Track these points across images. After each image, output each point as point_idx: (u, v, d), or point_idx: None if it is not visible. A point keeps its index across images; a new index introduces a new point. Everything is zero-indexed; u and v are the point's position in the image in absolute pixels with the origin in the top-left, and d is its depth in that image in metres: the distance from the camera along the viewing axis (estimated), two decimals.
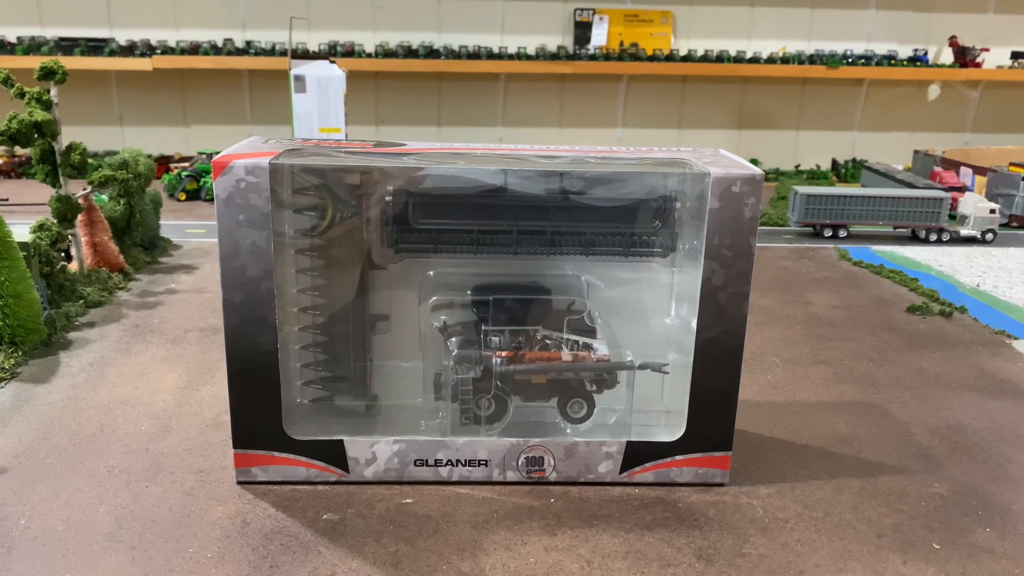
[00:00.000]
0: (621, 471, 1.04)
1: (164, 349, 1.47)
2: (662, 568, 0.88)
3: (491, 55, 3.61)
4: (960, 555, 0.92)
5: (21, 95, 1.67)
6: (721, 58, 3.72)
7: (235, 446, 1.01)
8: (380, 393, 1.14)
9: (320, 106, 2.50)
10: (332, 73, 2.49)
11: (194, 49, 3.46)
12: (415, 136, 3.74)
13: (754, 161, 3.75)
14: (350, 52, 3.52)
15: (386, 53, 3.56)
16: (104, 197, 2.02)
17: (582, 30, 3.72)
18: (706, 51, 3.74)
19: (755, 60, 3.73)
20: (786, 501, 1.02)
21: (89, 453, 1.09)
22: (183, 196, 2.93)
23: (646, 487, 1.04)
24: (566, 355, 1.06)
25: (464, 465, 1.03)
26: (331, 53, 3.49)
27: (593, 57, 3.65)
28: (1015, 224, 2.78)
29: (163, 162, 3.30)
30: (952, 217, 2.67)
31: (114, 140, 3.64)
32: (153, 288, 1.84)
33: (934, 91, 3.98)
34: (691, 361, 1.00)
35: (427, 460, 1.02)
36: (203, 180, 2.95)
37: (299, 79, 2.47)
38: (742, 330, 0.99)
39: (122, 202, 1.95)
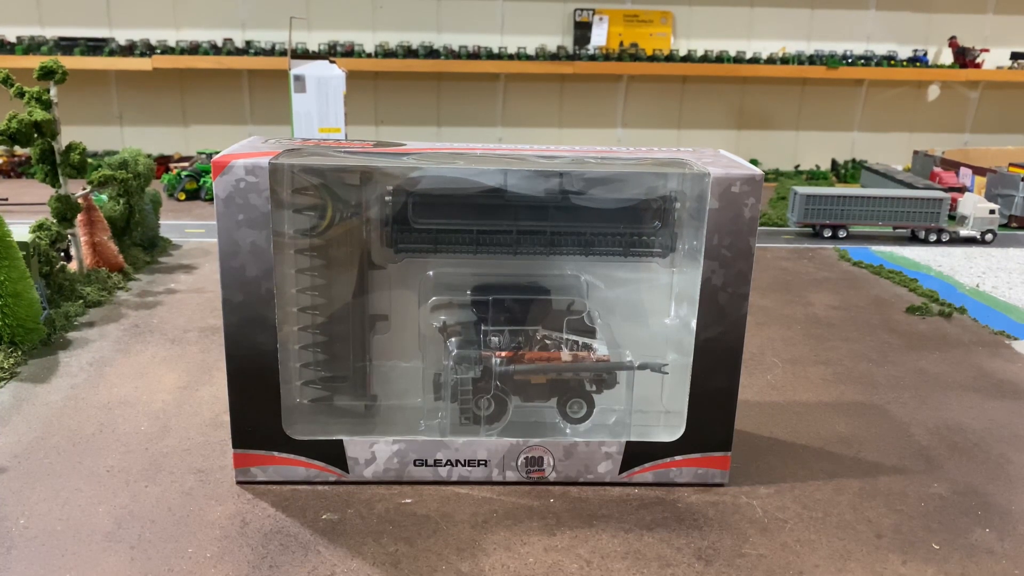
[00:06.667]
0: (620, 471, 1.04)
1: (163, 349, 1.47)
2: (661, 568, 0.88)
3: (491, 55, 3.61)
4: (959, 555, 0.92)
5: (21, 95, 1.67)
6: (721, 58, 3.72)
7: (234, 446, 1.01)
8: (379, 393, 1.13)
9: (320, 106, 2.50)
10: (332, 73, 2.49)
11: (194, 49, 3.46)
12: (415, 136, 3.74)
13: (754, 161, 3.75)
14: (350, 52, 3.52)
15: (386, 53, 3.56)
16: (104, 197, 2.02)
17: (582, 30, 3.72)
18: (706, 51, 3.74)
19: (755, 60, 3.73)
20: (785, 501, 1.02)
21: (88, 453, 1.09)
22: (182, 196, 2.93)
23: (645, 487, 1.04)
24: (566, 355, 1.06)
25: (463, 465, 1.03)
26: (331, 53, 3.49)
27: (593, 57, 3.65)
28: (1015, 225, 2.78)
29: (163, 162, 3.30)
30: (952, 218, 2.67)
31: (114, 140, 3.64)
32: (152, 288, 1.84)
33: (934, 91, 3.98)
34: (691, 361, 1.00)
35: (426, 460, 1.02)
36: (203, 180, 2.95)
37: (299, 79, 2.47)
38: (742, 330, 0.99)
39: (121, 202, 1.95)
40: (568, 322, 1.08)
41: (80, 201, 1.77)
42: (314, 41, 3.60)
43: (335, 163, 1.02)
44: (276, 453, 1.01)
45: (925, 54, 3.86)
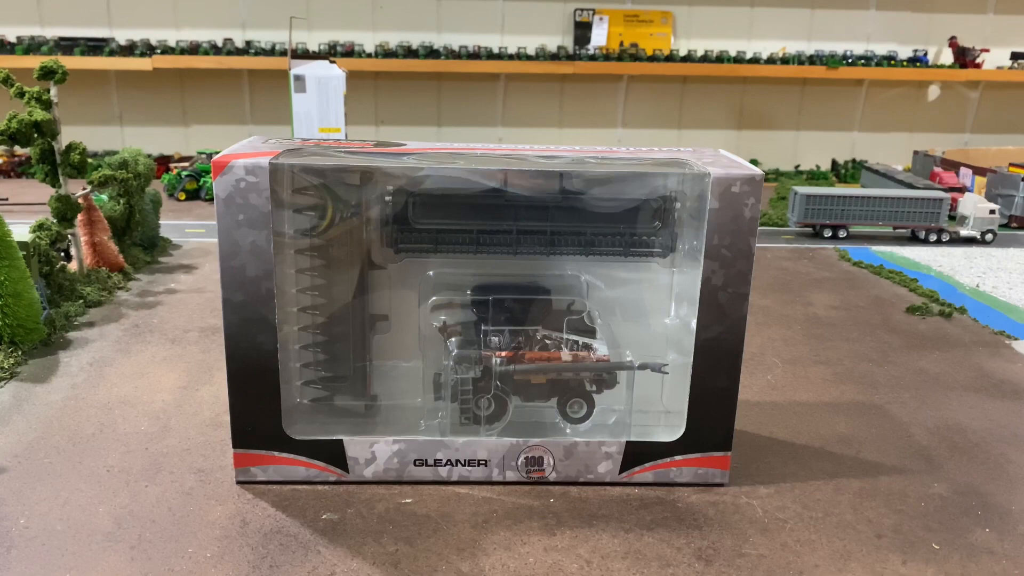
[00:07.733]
0: (621, 471, 1.04)
1: (164, 349, 1.47)
2: (661, 568, 0.88)
3: (491, 55, 3.61)
4: (960, 555, 0.92)
5: (21, 95, 1.67)
6: (721, 58, 3.72)
7: (234, 446, 1.01)
8: (380, 393, 1.13)
9: (320, 106, 2.50)
10: (332, 73, 2.49)
11: (194, 49, 3.46)
12: (415, 136, 3.74)
13: (754, 161, 3.75)
14: (350, 52, 3.52)
15: (386, 53, 3.56)
16: (104, 197, 2.02)
17: (582, 30, 3.72)
18: (706, 51, 3.74)
19: (755, 60, 3.73)
20: (786, 501, 1.02)
21: (88, 453, 1.09)
22: (183, 196, 2.93)
23: (646, 487, 1.04)
24: (566, 355, 1.06)
25: (463, 465, 1.03)
26: (331, 53, 3.49)
27: (593, 57, 3.65)
28: (1015, 225, 2.78)
29: (163, 162, 3.30)
30: (952, 218, 2.67)
31: (114, 140, 3.64)
32: (153, 288, 1.84)
33: (934, 92, 3.98)
34: (691, 361, 1.00)
35: (427, 460, 1.02)
36: (203, 180, 2.95)
37: (299, 79, 2.47)
38: (742, 330, 0.99)
39: (122, 202, 1.95)
40: (568, 322, 1.08)
41: (80, 201, 1.77)
42: (314, 41, 3.60)
43: (335, 163, 1.02)
44: (276, 453, 1.01)
45: (925, 54, 3.86)
